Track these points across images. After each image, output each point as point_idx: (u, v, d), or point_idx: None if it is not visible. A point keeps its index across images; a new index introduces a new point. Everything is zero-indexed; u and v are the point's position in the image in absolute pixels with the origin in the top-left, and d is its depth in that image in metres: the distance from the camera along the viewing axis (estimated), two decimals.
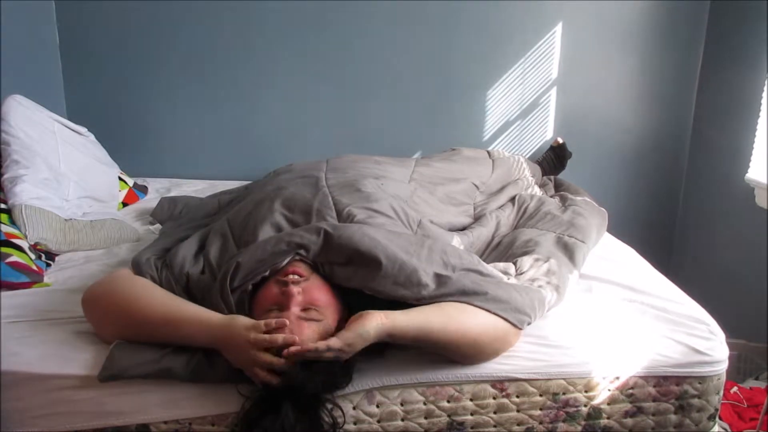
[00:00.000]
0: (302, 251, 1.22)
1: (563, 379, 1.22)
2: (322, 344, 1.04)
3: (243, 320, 1.10)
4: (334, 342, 1.05)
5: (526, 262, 1.41)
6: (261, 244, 1.24)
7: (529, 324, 1.23)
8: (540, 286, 1.31)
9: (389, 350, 1.20)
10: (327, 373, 1.07)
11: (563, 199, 1.90)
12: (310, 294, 1.16)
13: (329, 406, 1.10)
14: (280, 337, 1.05)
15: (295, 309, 1.12)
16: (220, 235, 1.39)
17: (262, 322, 1.07)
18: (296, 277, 1.17)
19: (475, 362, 1.19)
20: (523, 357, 1.22)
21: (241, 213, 1.46)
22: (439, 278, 1.19)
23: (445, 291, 1.18)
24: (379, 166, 1.78)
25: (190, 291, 1.25)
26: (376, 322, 1.08)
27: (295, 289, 1.14)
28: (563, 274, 1.40)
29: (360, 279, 1.19)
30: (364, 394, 1.16)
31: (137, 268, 1.29)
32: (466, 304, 1.17)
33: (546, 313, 1.30)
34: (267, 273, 1.19)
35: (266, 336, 1.05)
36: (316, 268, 1.22)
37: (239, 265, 1.19)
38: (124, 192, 2.15)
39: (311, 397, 1.07)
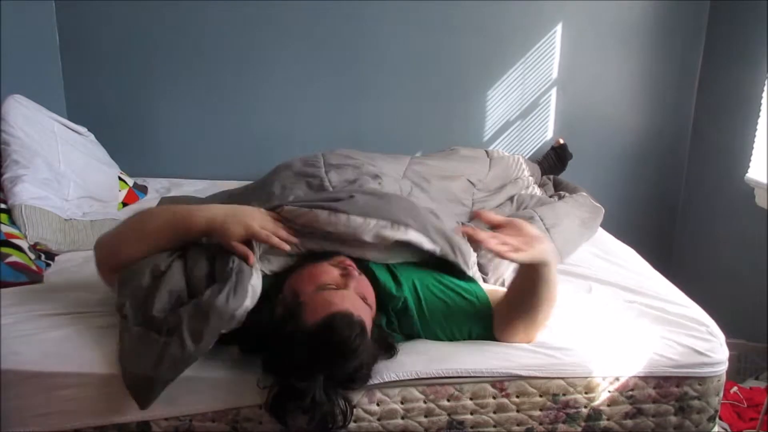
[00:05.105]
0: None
1: (563, 379, 1.22)
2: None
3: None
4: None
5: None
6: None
7: None
8: None
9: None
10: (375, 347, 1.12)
11: (560, 197, 1.90)
12: (365, 287, 1.19)
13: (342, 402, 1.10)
14: (284, 236, 1.19)
15: (353, 288, 1.16)
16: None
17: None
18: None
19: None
20: (523, 356, 1.22)
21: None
22: None
23: None
24: (374, 162, 1.78)
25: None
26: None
27: (356, 272, 1.19)
28: None
29: None
30: (364, 392, 1.16)
31: None
32: None
33: None
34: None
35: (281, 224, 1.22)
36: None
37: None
38: (124, 192, 2.15)
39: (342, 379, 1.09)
